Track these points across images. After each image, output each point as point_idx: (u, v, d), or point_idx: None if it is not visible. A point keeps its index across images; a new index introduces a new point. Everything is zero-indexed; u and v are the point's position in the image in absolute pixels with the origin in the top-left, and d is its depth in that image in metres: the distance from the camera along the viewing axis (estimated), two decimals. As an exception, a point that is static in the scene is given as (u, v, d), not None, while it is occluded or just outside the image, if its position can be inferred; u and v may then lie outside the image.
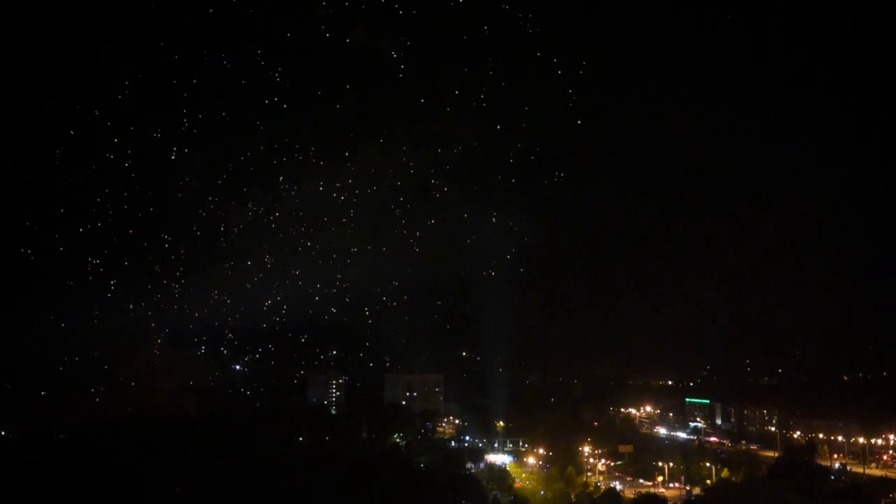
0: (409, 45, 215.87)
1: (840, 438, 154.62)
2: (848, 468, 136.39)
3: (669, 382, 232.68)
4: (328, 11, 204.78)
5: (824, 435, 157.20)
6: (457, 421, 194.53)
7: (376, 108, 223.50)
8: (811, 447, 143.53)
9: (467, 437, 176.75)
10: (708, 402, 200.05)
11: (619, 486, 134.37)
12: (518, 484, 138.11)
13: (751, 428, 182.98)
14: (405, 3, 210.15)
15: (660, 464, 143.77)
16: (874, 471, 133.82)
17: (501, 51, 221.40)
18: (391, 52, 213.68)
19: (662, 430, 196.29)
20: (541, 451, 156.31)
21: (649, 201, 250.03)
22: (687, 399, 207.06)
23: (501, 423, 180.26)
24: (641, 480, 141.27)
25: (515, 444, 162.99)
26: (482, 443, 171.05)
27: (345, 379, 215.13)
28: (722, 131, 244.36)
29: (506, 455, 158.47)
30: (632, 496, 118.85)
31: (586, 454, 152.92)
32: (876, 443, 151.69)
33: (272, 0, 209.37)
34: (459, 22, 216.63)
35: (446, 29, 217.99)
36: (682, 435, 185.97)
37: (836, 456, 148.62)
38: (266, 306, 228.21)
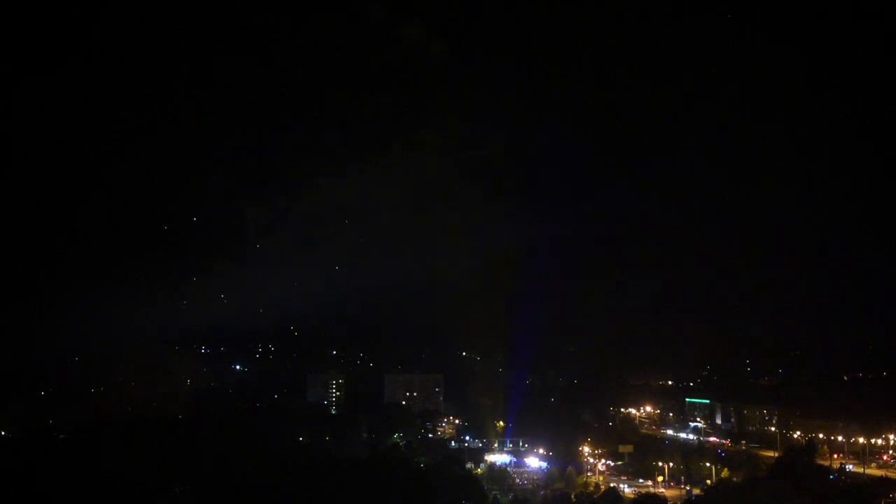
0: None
1: (840, 438, 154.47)
2: (848, 468, 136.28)
3: (669, 382, 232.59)
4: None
5: (824, 435, 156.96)
6: (457, 421, 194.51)
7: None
8: (811, 447, 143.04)
9: (467, 437, 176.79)
10: (708, 402, 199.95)
11: (619, 487, 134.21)
12: (518, 484, 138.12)
13: (751, 428, 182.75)
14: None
15: (660, 464, 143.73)
16: (874, 471, 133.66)
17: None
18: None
19: (663, 430, 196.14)
20: (541, 450, 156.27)
21: (653, 203, 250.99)
22: (687, 399, 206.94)
23: (501, 423, 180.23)
24: (641, 480, 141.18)
25: (515, 444, 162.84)
26: (482, 443, 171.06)
27: (345, 379, 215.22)
28: (726, 137, 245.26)
29: (506, 455, 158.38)
30: (632, 496, 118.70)
31: (586, 454, 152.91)
32: (876, 443, 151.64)
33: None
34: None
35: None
36: (682, 435, 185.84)
37: (836, 456, 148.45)
38: (268, 306, 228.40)
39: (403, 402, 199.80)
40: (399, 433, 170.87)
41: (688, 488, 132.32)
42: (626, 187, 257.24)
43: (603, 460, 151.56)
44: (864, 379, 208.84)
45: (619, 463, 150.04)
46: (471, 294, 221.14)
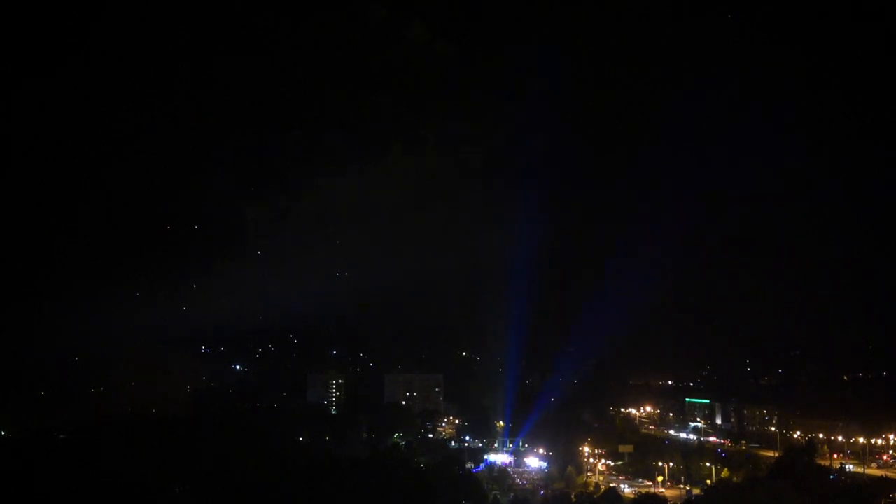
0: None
1: (840, 438, 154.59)
2: (848, 468, 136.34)
3: (669, 382, 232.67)
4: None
5: (824, 435, 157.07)
6: (457, 421, 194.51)
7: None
8: (811, 447, 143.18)
9: (467, 437, 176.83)
10: (708, 402, 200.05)
11: (619, 487, 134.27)
12: (518, 484, 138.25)
13: (751, 428, 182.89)
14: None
15: (660, 464, 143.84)
16: (874, 471, 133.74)
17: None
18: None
19: (663, 430, 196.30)
20: (541, 450, 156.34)
21: (653, 203, 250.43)
22: (687, 399, 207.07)
23: (501, 423, 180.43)
24: (641, 480, 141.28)
25: (515, 444, 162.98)
26: (482, 443, 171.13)
27: (345, 379, 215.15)
28: (726, 137, 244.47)
29: (506, 455, 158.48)
30: (632, 496, 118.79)
31: (586, 454, 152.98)
32: (876, 443, 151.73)
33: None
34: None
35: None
36: (682, 435, 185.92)
37: (836, 456, 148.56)
38: (267, 306, 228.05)
39: (403, 402, 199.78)
40: (399, 433, 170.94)
41: (688, 488, 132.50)
42: (625, 187, 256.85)
43: (603, 460, 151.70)
44: (864, 379, 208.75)
45: (619, 463, 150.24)
46: (470, 294, 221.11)
